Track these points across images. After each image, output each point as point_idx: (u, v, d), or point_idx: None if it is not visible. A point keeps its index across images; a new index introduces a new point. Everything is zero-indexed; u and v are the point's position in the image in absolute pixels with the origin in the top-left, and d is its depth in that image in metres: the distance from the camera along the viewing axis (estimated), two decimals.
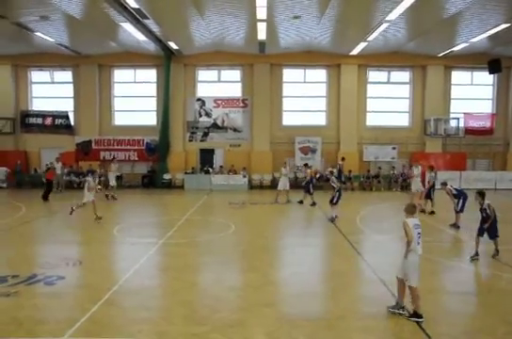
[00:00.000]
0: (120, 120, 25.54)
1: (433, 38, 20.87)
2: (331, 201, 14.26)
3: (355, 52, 22.99)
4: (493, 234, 9.76)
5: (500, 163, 24.70)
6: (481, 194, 9.84)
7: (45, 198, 18.43)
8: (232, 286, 8.07)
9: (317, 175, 23.36)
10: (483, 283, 8.66)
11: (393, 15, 16.54)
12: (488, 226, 9.68)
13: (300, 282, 8.23)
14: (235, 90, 25.03)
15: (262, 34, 19.33)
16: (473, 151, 24.82)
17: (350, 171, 23.04)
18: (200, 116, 24.85)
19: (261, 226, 13.93)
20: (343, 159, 21.79)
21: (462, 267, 9.41)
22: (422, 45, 22.27)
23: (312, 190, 17.74)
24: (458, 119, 23.93)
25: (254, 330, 6.07)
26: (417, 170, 17.28)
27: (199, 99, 24.82)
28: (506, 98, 25.22)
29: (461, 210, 12.94)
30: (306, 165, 19.63)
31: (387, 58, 23.94)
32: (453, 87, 25.25)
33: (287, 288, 8.07)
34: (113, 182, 18.99)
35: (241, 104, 24.78)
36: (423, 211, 15.41)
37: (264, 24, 17.72)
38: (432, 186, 15.65)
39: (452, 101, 25.23)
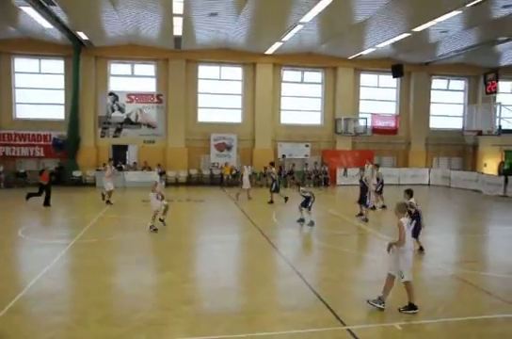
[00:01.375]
0: (22, 113, 23.67)
1: (344, 41, 21.92)
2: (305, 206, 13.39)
3: (270, 51, 23.45)
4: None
5: (403, 160, 26.67)
6: (409, 192, 10.27)
7: (47, 203, 16.23)
8: (150, 285, 7.89)
9: (233, 172, 23.63)
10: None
11: (307, 18, 17.10)
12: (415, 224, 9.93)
13: (219, 279, 8.25)
14: (150, 86, 24.38)
15: (178, 29, 19.00)
16: (380, 149, 26.52)
17: (265, 168, 23.44)
18: (113, 111, 23.86)
19: (177, 223, 13.70)
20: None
21: (371, 258, 10.00)
22: (333, 48, 23.30)
23: (273, 188, 17.66)
24: (366, 118, 25.42)
25: (175, 329, 5.99)
26: (368, 169, 17.81)
27: (111, 93, 23.83)
28: (408, 100, 27.24)
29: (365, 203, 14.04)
30: (272, 164, 19.36)
31: (301, 59, 24.71)
32: (361, 88, 26.76)
33: (206, 285, 8.05)
34: None
35: (155, 100, 24.19)
36: (373, 208, 16.23)
37: (181, 19, 17.43)
38: (382, 182, 16.62)
39: (360, 101, 26.74)
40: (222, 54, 23.93)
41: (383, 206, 16.48)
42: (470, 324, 6.34)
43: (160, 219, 12.44)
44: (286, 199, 17.10)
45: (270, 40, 21.48)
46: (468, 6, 15.36)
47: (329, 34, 20.75)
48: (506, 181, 21.00)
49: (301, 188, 13.41)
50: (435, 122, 27.89)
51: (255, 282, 8.16)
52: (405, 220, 6.83)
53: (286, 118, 25.87)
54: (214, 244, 11.04)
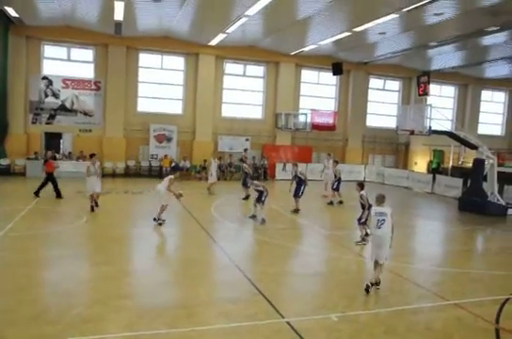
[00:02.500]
0: None
1: (286, 37, 22.12)
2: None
3: (213, 42, 23.21)
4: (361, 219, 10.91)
5: (340, 156, 27.47)
6: (360, 185, 11.02)
7: (59, 195, 15.58)
8: (87, 280, 7.65)
9: (172, 164, 23.26)
10: (327, 265, 9.55)
11: (252, 11, 17.08)
12: (362, 213, 10.82)
13: (159, 272, 8.16)
14: (87, 72, 23.28)
15: (118, 14, 18.22)
16: (318, 145, 27.17)
17: (205, 161, 23.31)
18: (46, 96, 22.54)
19: (115, 216, 13.35)
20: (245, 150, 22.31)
21: (309, 252, 10.28)
22: (276, 43, 23.47)
23: (249, 184, 16.79)
24: (306, 114, 25.87)
25: (113, 324, 5.84)
26: (328, 163, 18.70)
27: (44, 77, 22.48)
28: (346, 98, 28.09)
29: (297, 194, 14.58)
30: (242, 160, 19.25)
31: (244, 52, 24.68)
32: (302, 84, 27.21)
33: (145, 279, 7.91)
34: None
35: (93, 87, 23.17)
36: (331, 203, 16.67)
37: (122, 3, 16.74)
38: (339, 179, 16.93)
39: (301, 97, 27.19)
40: (165, 42, 23.36)
41: (340, 202, 16.90)
42: (399, 314, 6.72)
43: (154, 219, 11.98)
44: (247, 197, 16.85)
45: (214, 31, 21.23)
46: (404, 10, 16.04)
47: (273, 28, 20.86)
48: (434, 179, 22.33)
49: (254, 182, 13.37)
50: (371, 121, 29.03)
51: (195, 276, 8.13)
52: (374, 209, 7.75)
53: (227, 111, 25.78)
54: (153, 237, 10.88)
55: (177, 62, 24.90)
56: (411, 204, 19.00)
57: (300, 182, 14.60)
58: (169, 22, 20.27)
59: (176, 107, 24.98)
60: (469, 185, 18.02)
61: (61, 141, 23.05)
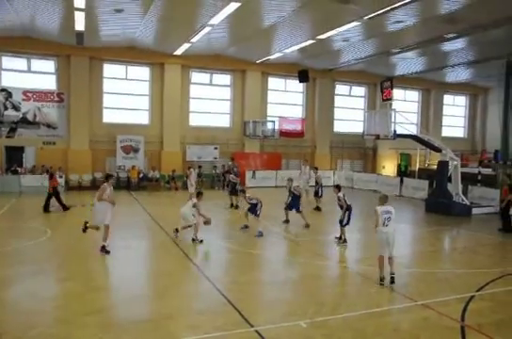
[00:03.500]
0: None
1: (252, 45, 22.28)
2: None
3: (179, 52, 23.14)
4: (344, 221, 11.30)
5: (309, 163, 27.54)
6: (337, 187, 11.61)
7: (65, 207, 15.94)
8: (50, 297, 7.38)
9: (141, 175, 22.94)
10: (296, 272, 9.50)
11: (216, 20, 17.12)
12: (343, 215, 11.25)
13: (126, 286, 7.94)
14: (49, 83, 22.80)
15: (80, 24, 17.98)
16: (287, 151, 27.32)
17: (174, 171, 23.07)
18: (6, 109, 21.87)
19: (81, 230, 12.95)
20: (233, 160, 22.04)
21: (279, 259, 10.24)
22: (242, 51, 23.60)
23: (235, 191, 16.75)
24: (274, 122, 26.03)
25: None
26: (305, 168, 19.20)
27: (3, 90, 21.86)
28: (313, 105, 28.41)
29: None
30: (228, 171, 19.12)
31: (210, 61, 24.69)
32: (269, 92, 27.38)
33: (111, 293, 7.72)
34: None
35: (56, 99, 22.67)
36: (317, 208, 16.72)
37: (83, 13, 16.52)
38: (320, 185, 17.14)
39: (268, 105, 27.35)
40: (129, 52, 23.13)
41: (317, 208, 16.89)
42: (368, 316, 6.74)
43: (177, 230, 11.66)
44: (232, 205, 17.04)
45: (179, 40, 21.19)
46: (365, 18, 16.41)
47: (238, 37, 20.97)
48: (402, 181, 22.74)
49: (247, 195, 12.82)
50: (339, 126, 29.43)
51: (163, 289, 7.95)
52: (380, 208, 8.31)
53: (195, 120, 25.67)
54: (120, 250, 10.58)
55: (142, 72, 24.70)
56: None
57: (295, 197, 13.85)
58: (133, 32, 20.10)
59: (143, 118, 24.72)
60: (434, 186, 18.42)
61: (24, 155, 22.36)
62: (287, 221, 14.14)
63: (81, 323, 6.22)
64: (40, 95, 22.33)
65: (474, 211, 17.06)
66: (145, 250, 11.46)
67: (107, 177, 10.79)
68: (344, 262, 9.93)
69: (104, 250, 9.94)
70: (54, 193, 15.80)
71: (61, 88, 22.74)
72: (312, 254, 10.62)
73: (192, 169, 18.96)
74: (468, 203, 17.27)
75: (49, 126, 22.51)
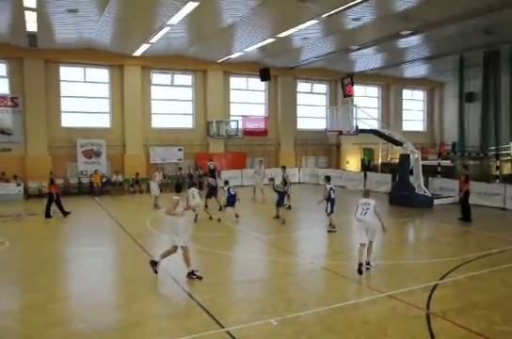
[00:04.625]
0: None
1: (212, 45, 22.08)
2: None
3: (138, 53, 22.70)
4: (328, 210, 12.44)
5: (274, 160, 27.76)
6: (327, 178, 12.88)
7: (65, 213, 15.88)
8: (9, 311, 7.05)
9: (104, 180, 22.40)
10: (265, 270, 9.51)
11: (175, 20, 16.88)
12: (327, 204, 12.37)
13: (91, 295, 7.71)
14: (2, 87, 21.89)
15: (32, 25, 17.31)
16: (252, 150, 27.31)
17: (137, 174, 22.62)
18: None
19: (42, 239, 12.50)
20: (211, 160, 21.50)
21: (246, 258, 10.21)
22: (202, 51, 23.37)
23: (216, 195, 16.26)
24: (238, 121, 25.93)
25: None
26: (260, 169, 19.76)
27: None
28: (276, 103, 28.50)
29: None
30: (206, 174, 18.45)
31: (170, 61, 24.34)
32: (231, 91, 27.28)
33: (76, 303, 7.49)
34: None
35: (10, 103, 21.74)
36: (289, 207, 16.55)
37: (35, 13, 15.92)
38: (289, 184, 16.92)
39: (231, 104, 27.22)
40: (87, 54, 22.45)
41: (289, 206, 16.73)
42: (338, 310, 6.82)
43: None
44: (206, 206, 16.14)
45: (137, 41, 20.76)
46: (323, 16, 16.55)
47: (198, 37, 20.77)
48: (365, 176, 23.15)
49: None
50: (302, 124, 29.65)
51: (130, 295, 7.81)
52: (361, 200, 9.27)
53: (157, 121, 25.25)
54: (84, 258, 10.29)
55: (101, 74, 24.08)
56: (345, 202, 19.50)
57: (280, 194, 14.59)
58: (90, 33, 19.54)
59: (103, 121, 24.11)
60: (397, 179, 18.84)
61: None
62: (277, 217, 14.48)
63: (44, 336, 6.02)
64: None
65: (436, 202, 17.57)
66: (111, 256, 11.18)
67: (178, 188, 9.62)
68: (312, 258, 9.99)
69: (194, 275, 8.38)
70: (54, 199, 15.81)
71: (15, 93, 21.88)
72: (279, 251, 10.65)
73: (157, 173, 18.64)
74: (429, 195, 17.75)
75: (3, 132, 21.51)
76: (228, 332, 6.04)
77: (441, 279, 8.22)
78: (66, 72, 23.23)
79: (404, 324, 6.30)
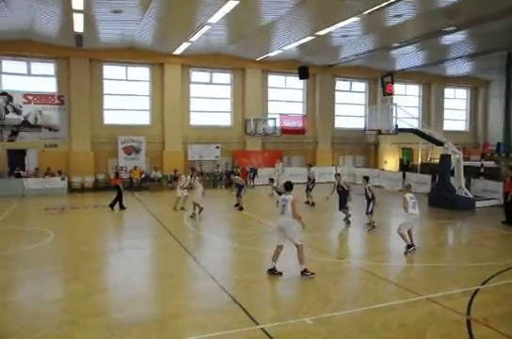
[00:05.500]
0: None
1: (251, 43, 22.20)
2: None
3: (178, 51, 23.10)
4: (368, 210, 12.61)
5: (311, 159, 27.60)
6: (366, 178, 12.95)
7: (122, 207, 16.57)
8: (54, 300, 7.36)
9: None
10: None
11: (215, 19, 17.07)
12: (368, 204, 12.57)
13: (130, 287, 7.93)
14: (50, 86, 22.78)
15: (79, 26, 17.96)
16: (289, 148, 27.28)
17: (176, 171, 23.01)
18: (7, 112, 21.88)
19: (84, 232, 13.00)
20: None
21: (282, 256, 10.19)
22: (241, 49, 23.53)
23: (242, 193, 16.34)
24: (275, 119, 25.95)
25: None
26: (278, 166, 20.39)
27: (3, 93, 21.83)
28: (314, 101, 28.34)
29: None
30: (233, 172, 18.63)
31: (209, 60, 24.63)
32: (269, 89, 27.32)
33: (116, 294, 7.71)
34: None
35: (57, 101, 22.67)
36: (307, 202, 16.82)
37: (81, 15, 16.50)
38: (312, 181, 17.44)
39: (269, 102, 27.28)
40: (129, 53, 23.09)
41: (312, 203, 16.84)
42: (374, 312, 6.72)
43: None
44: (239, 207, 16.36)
45: (178, 40, 21.14)
46: (364, 13, 16.32)
47: (237, 35, 20.91)
48: (404, 176, 22.68)
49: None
50: (340, 122, 29.35)
51: (168, 288, 7.96)
52: (408, 195, 9.93)
53: (196, 119, 25.63)
54: (124, 251, 10.64)
55: (142, 73, 24.67)
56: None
57: (343, 191, 13.70)
58: (132, 32, 20.07)
59: (144, 118, 24.70)
60: (437, 180, 18.36)
61: (26, 158, 22.36)
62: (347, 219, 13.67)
63: (85, 324, 6.23)
64: (41, 98, 22.34)
65: (478, 204, 17.00)
66: (149, 250, 11.45)
67: (289, 186, 8.63)
68: (348, 258, 9.91)
69: (308, 273, 8.33)
70: (122, 190, 16.59)
71: (61, 91, 22.75)
72: (315, 251, 10.58)
73: (183, 176, 17.21)
74: (471, 197, 17.21)
75: (50, 129, 22.51)
76: (263, 330, 6.06)
77: (483, 284, 7.96)
78: (109, 71, 23.93)
79: (443, 328, 6.15)
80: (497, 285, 7.93)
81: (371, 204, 12.57)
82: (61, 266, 9.53)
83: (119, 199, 16.37)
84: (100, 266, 9.75)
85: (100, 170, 23.15)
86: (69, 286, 8.06)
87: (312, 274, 8.26)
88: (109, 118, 23.94)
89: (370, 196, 12.59)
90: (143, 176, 22.97)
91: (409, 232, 10.00)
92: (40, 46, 21.35)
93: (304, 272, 8.28)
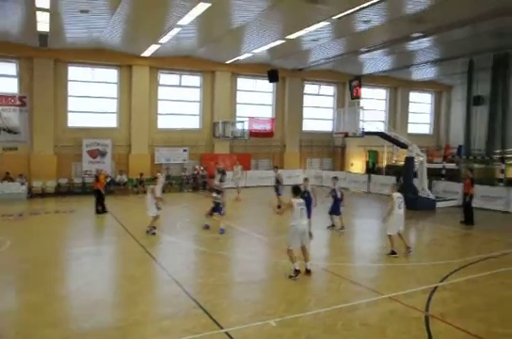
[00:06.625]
0: None
1: (222, 46, 22.10)
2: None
3: (147, 53, 22.81)
4: (337, 211, 12.85)
5: (279, 162, 27.70)
6: (335, 178, 13.38)
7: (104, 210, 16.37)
8: (7, 311, 7.05)
9: (108, 179, 22.42)
10: (265, 271, 9.50)
11: (185, 21, 16.92)
12: (334, 205, 12.80)
13: (91, 294, 7.72)
14: (10, 86, 22.03)
15: (43, 25, 17.45)
16: (257, 151, 27.34)
17: (142, 174, 22.68)
18: None
19: (44, 238, 12.42)
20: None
21: (247, 259, 10.21)
22: (211, 52, 23.41)
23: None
24: (243, 122, 25.97)
25: None
26: (237, 169, 20.82)
27: None
28: (283, 104, 28.51)
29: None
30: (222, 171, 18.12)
31: (179, 62, 24.43)
32: (238, 92, 27.32)
33: (75, 302, 7.48)
34: None
35: (18, 103, 21.89)
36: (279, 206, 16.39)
37: (47, 14, 16.03)
38: (280, 183, 17.57)
39: (238, 105, 27.28)
40: (96, 54, 22.56)
41: (278, 206, 16.74)
42: (338, 312, 6.81)
43: None
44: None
45: (147, 41, 20.85)
46: (334, 18, 16.52)
47: (207, 38, 20.80)
48: (369, 178, 23.10)
49: (213, 195, 13.26)
50: (308, 125, 29.63)
51: (130, 294, 7.82)
52: (395, 194, 10.15)
53: (164, 122, 25.35)
54: (85, 257, 10.24)
55: (110, 74, 24.22)
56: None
57: (337, 197, 13.11)
58: (100, 33, 19.64)
59: (110, 121, 24.24)
60: (401, 182, 18.77)
61: None
62: (332, 226, 13.45)
63: (42, 336, 6.02)
64: (1, 99, 21.54)
65: (438, 205, 17.52)
66: (111, 256, 11.19)
67: (296, 190, 9.07)
68: (313, 260, 9.97)
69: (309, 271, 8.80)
70: (102, 194, 16.41)
71: (23, 92, 22.06)
72: (280, 253, 10.61)
73: (159, 174, 16.89)
74: (433, 198, 17.67)
75: (10, 131, 21.67)
76: (227, 333, 6.04)
77: (442, 281, 8.21)
78: (74, 72, 23.39)
79: (403, 326, 6.29)
80: (455, 282, 8.21)
81: (340, 205, 12.80)
82: (16, 276, 9.12)
83: (99, 202, 16.24)
84: (58, 273, 9.36)
85: (63, 174, 22.51)
86: (24, 296, 7.75)
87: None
88: (74, 120, 23.34)
89: (339, 196, 12.74)
90: (108, 180, 22.49)
91: (400, 234, 10.17)
92: (1, 45, 20.55)
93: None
